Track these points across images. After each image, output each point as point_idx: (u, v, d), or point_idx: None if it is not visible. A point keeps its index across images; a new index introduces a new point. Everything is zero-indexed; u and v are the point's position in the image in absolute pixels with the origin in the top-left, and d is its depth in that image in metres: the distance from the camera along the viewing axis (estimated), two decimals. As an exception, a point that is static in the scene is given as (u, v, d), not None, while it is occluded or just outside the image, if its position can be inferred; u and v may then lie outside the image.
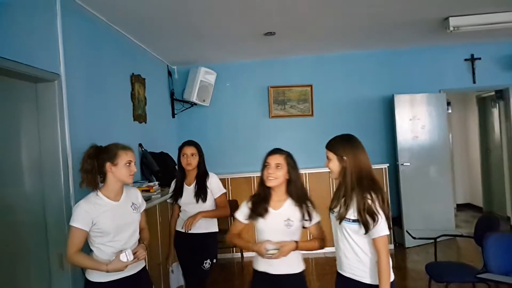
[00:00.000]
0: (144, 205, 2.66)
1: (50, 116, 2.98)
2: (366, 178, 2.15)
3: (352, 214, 2.13)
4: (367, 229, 2.08)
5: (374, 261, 2.14)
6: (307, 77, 6.29)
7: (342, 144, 2.24)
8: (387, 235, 2.11)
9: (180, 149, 3.40)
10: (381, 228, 2.08)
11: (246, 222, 2.50)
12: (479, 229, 3.66)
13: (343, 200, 2.18)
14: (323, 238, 2.49)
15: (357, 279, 2.18)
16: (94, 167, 2.38)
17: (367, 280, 2.16)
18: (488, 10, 4.50)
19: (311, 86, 6.27)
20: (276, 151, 2.50)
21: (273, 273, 2.41)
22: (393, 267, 2.23)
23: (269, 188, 2.45)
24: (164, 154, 4.90)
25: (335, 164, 2.22)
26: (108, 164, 2.37)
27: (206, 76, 5.93)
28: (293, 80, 6.30)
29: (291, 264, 2.43)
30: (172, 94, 6.08)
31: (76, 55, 3.28)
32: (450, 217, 6.08)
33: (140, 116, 4.54)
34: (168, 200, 3.56)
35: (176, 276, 3.57)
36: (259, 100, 6.36)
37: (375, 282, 2.12)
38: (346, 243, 2.20)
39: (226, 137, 6.26)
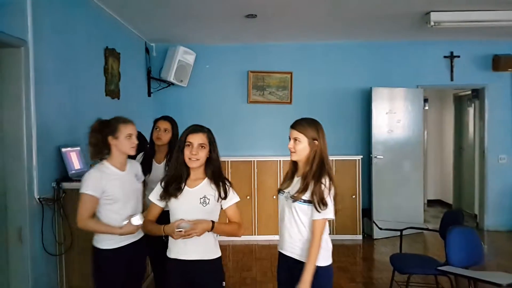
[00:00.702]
0: (143, 177, 2.80)
1: (15, 84, 2.86)
2: (327, 163, 2.22)
3: (306, 195, 2.18)
4: (317, 211, 2.13)
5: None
6: (288, 64, 6.24)
7: (314, 127, 2.24)
8: (327, 219, 2.18)
9: (155, 122, 3.34)
10: (327, 211, 2.15)
11: (161, 204, 2.29)
12: (445, 224, 3.71)
13: (302, 181, 2.21)
14: (239, 223, 2.31)
15: (298, 258, 2.22)
16: (99, 141, 2.52)
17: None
18: (470, 7, 4.53)
19: (291, 73, 6.22)
20: (198, 129, 2.25)
21: (186, 259, 2.22)
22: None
23: (188, 167, 2.24)
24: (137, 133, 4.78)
25: (305, 147, 2.22)
26: (110, 138, 2.50)
27: (185, 56, 5.80)
28: (274, 66, 6.25)
29: (205, 250, 2.24)
30: (149, 72, 5.93)
31: (46, 22, 3.14)
32: (419, 211, 6.19)
33: (112, 92, 4.41)
34: None
35: None
36: (238, 84, 6.29)
37: (317, 263, 2.16)
38: (293, 222, 2.24)
39: (202, 120, 5.95)
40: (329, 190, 2.16)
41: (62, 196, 3.15)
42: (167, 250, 2.31)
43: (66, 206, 3.17)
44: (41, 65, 3.04)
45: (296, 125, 2.27)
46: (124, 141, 2.50)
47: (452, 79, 6.20)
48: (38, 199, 2.97)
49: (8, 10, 2.71)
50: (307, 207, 2.19)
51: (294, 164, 2.33)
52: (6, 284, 2.88)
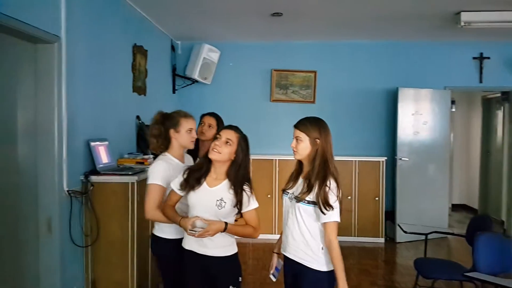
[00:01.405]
0: None
1: (48, 78, 2.94)
2: (331, 163, 2.19)
3: (310, 196, 2.15)
4: (322, 213, 2.10)
5: (320, 247, 2.18)
6: (312, 63, 6.21)
7: (316, 126, 2.22)
8: (337, 222, 2.14)
9: (201, 117, 3.32)
10: (334, 214, 2.12)
11: (180, 193, 2.33)
12: (472, 229, 3.63)
13: (305, 181, 2.20)
14: (255, 227, 2.32)
15: (301, 262, 2.20)
16: (161, 133, 2.58)
17: (310, 264, 2.18)
18: (502, 7, 4.40)
19: (315, 72, 6.18)
20: (233, 127, 2.32)
21: (200, 253, 2.27)
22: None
23: (210, 162, 2.29)
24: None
25: (306, 146, 2.20)
26: (171, 131, 2.57)
27: (209, 53, 5.84)
28: (298, 65, 6.22)
29: (219, 246, 2.27)
30: (174, 69, 6.00)
31: (78, 19, 3.21)
32: (444, 216, 6.06)
33: (139, 88, 4.48)
34: None
35: None
36: (261, 82, 6.29)
37: (318, 268, 2.16)
38: (296, 224, 2.21)
39: (225, 118, 6.13)
40: (335, 192, 2.13)
41: (90, 189, 3.22)
42: (183, 240, 2.36)
43: (94, 199, 3.24)
44: (72, 60, 3.10)
45: (299, 124, 2.26)
46: (185, 135, 2.57)
47: (481, 81, 6.06)
48: (67, 191, 3.04)
49: (43, 7, 2.78)
50: (311, 209, 2.16)
51: (300, 164, 2.31)
52: (36, 272, 2.96)
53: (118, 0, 4.03)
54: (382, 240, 5.84)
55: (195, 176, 2.28)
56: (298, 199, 2.19)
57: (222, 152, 2.23)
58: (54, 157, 2.95)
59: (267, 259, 5.06)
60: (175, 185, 2.34)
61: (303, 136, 2.21)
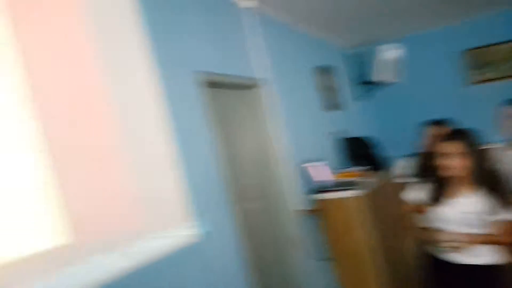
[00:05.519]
0: None
1: (265, 116, 3.37)
2: None
3: None
4: None
5: None
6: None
7: None
8: None
9: (424, 128, 2.93)
10: None
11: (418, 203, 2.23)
12: None
13: None
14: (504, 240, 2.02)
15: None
16: None
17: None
18: None
19: (516, 40, 5.42)
20: (453, 137, 2.06)
21: (456, 262, 2.06)
22: None
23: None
24: (358, 139, 4.92)
25: None
26: None
27: (390, 52, 5.70)
28: (493, 37, 5.55)
29: (479, 254, 2.03)
30: (359, 78, 6.02)
31: (276, 61, 3.64)
32: None
33: (332, 105, 4.73)
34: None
35: None
36: (452, 67, 5.83)
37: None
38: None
39: (420, 112, 5.77)
40: None
41: (320, 207, 3.49)
42: (430, 248, 2.21)
43: (325, 216, 3.49)
44: (280, 96, 3.54)
45: None
46: None
47: None
48: (302, 211, 3.40)
49: (254, 60, 3.33)
50: None
51: None
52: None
53: (298, 31, 4.39)
54: None
55: (439, 191, 2.14)
56: None
57: (454, 167, 2.02)
58: (288, 182, 3.34)
59: None
60: (411, 196, 2.31)
61: None
